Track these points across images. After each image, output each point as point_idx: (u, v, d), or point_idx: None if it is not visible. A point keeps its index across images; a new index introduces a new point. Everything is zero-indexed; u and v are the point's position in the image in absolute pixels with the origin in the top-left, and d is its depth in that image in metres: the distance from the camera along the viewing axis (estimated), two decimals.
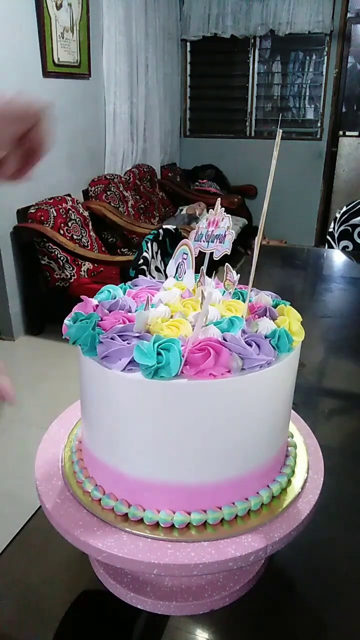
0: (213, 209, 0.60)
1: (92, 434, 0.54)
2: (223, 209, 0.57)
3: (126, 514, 0.50)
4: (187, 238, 0.60)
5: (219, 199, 0.60)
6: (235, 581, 0.57)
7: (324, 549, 0.67)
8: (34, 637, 0.56)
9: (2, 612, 0.59)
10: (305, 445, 0.61)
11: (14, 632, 0.57)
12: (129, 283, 0.63)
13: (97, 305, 0.56)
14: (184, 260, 0.60)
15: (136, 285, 0.62)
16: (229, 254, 0.57)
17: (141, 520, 0.50)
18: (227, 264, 0.60)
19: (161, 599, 0.55)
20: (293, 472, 0.57)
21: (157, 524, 0.50)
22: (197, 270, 0.60)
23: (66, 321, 0.52)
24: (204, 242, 0.58)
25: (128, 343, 0.47)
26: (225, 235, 0.57)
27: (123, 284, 0.62)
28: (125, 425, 0.49)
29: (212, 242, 0.58)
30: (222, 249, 0.57)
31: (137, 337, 0.48)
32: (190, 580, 0.56)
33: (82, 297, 0.57)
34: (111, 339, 0.47)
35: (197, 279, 0.60)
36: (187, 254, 0.60)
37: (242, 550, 0.47)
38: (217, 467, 0.50)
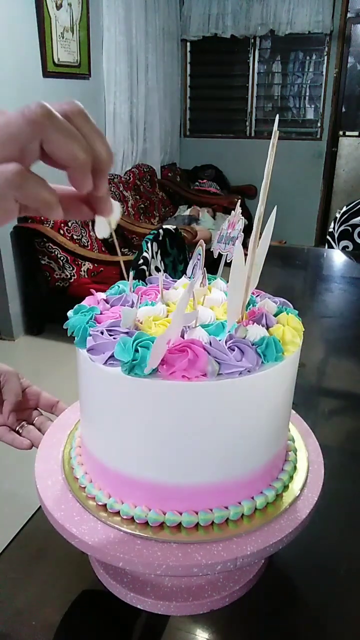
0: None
1: (83, 425, 0.56)
2: (240, 210, 0.57)
3: (105, 504, 0.51)
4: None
5: (239, 200, 0.61)
6: (235, 581, 0.57)
7: (324, 549, 0.67)
8: (34, 637, 0.56)
9: (2, 612, 0.59)
10: (305, 447, 0.61)
11: (13, 632, 0.57)
12: (141, 280, 0.63)
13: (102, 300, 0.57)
14: (198, 261, 0.61)
15: (151, 283, 0.63)
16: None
17: (118, 513, 0.51)
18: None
19: (161, 599, 0.55)
20: (291, 477, 0.56)
21: (133, 519, 0.50)
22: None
23: (69, 312, 0.54)
24: (223, 243, 0.59)
25: (114, 338, 0.47)
26: (237, 238, 0.57)
27: (136, 280, 0.62)
28: (104, 418, 0.50)
29: (229, 244, 0.58)
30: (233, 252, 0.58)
31: (126, 333, 0.48)
32: (190, 580, 0.56)
33: (91, 290, 0.58)
34: (100, 332, 0.49)
35: (200, 280, 0.60)
36: (200, 255, 0.60)
37: (209, 558, 0.47)
38: (190, 471, 0.49)
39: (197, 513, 0.50)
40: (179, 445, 0.48)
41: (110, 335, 0.48)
